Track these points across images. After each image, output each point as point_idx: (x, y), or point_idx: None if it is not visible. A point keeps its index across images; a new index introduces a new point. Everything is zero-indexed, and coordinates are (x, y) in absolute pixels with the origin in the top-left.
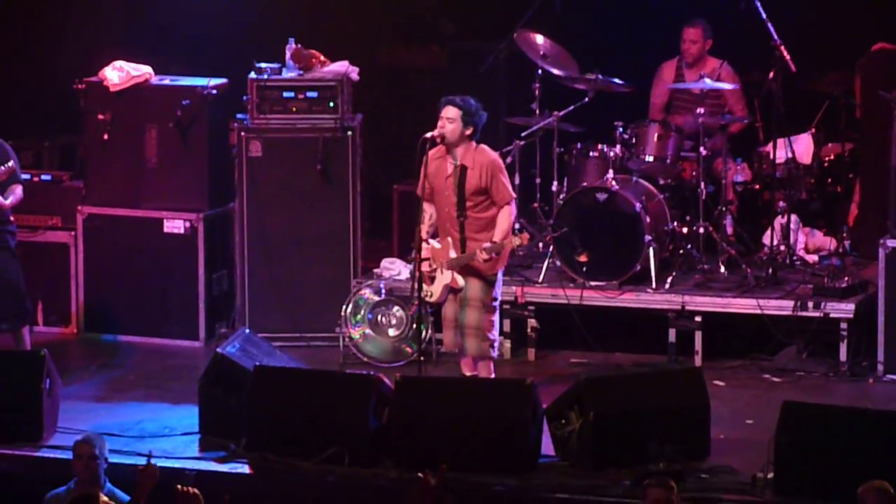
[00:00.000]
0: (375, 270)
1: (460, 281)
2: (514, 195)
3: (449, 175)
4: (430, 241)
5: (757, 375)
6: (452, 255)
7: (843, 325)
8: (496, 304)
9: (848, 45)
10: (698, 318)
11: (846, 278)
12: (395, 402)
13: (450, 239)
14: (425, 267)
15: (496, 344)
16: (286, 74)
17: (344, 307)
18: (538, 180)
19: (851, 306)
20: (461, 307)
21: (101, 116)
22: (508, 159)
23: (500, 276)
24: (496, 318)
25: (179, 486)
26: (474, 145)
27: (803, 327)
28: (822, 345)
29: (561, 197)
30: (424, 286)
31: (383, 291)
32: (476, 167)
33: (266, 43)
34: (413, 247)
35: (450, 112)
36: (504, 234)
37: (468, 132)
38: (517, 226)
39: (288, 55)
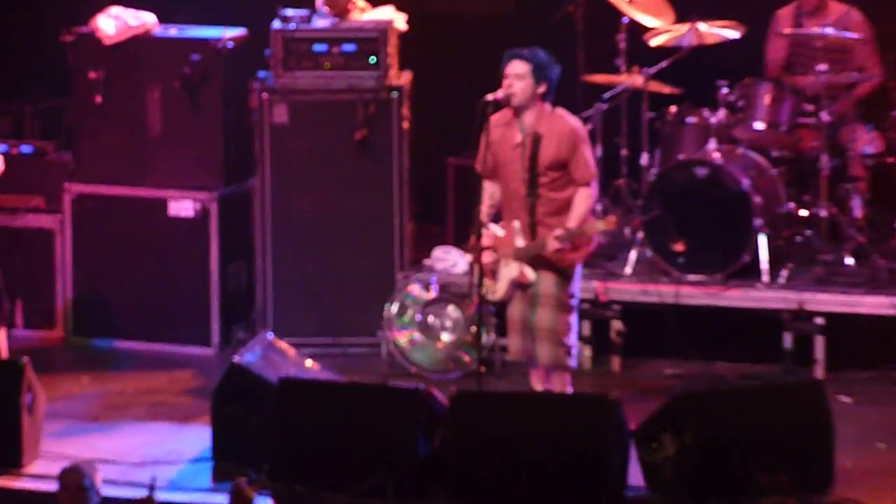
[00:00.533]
0: (426, 262)
1: (530, 275)
2: (595, 173)
3: (517, 144)
4: (492, 226)
5: (890, 390)
6: (520, 243)
7: None
8: (574, 302)
9: None
10: (820, 320)
11: None
12: (450, 421)
13: (516, 223)
14: (487, 257)
15: (574, 351)
16: (317, 23)
17: (388, 306)
18: (624, 152)
19: None
20: (531, 307)
21: (93, 75)
22: (588, 126)
23: (578, 269)
24: (574, 319)
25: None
26: (549, 108)
27: None
28: None
29: (652, 172)
30: (485, 281)
31: (435, 287)
32: (553, 136)
33: None
34: (471, 233)
35: (517, 67)
36: (581, 220)
37: (541, 90)
38: (599, 207)
39: (319, 1)
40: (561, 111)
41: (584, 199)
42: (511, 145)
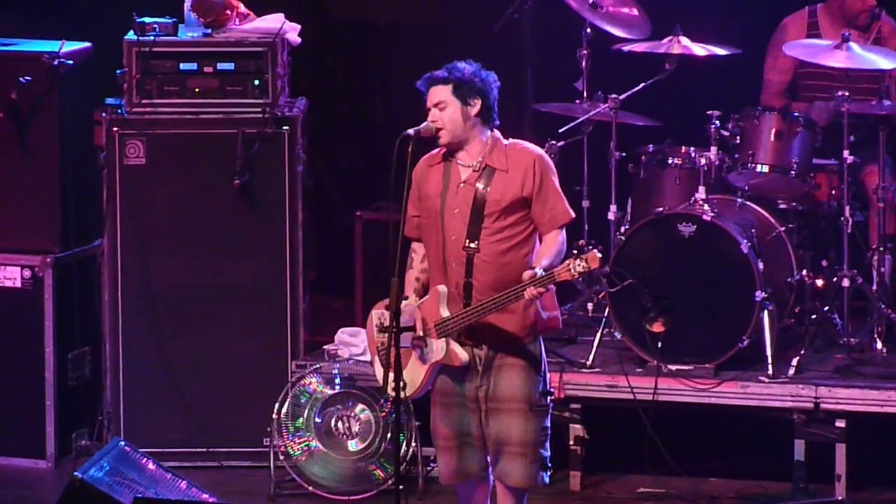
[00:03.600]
0: (327, 347)
1: (461, 355)
2: (572, 213)
3: (462, 182)
4: (411, 298)
5: None
6: (445, 313)
7: None
8: (549, 400)
9: None
10: (841, 423)
11: None
12: None
13: (441, 288)
14: (407, 342)
15: (549, 463)
16: (185, 35)
17: (277, 406)
18: (586, 203)
19: None
20: (486, 414)
21: None
22: None
23: (542, 347)
24: (549, 421)
25: None
26: (499, 136)
27: None
28: None
29: (623, 230)
30: (405, 372)
31: (339, 381)
32: (515, 168)
33: None
34: (388, 308)
35: (435, 96)
36: (557, 258)
37: (475, 110)
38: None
39: (188, 4)
40: (518, 141)
41: (556, 241)
42: (448, 185)
